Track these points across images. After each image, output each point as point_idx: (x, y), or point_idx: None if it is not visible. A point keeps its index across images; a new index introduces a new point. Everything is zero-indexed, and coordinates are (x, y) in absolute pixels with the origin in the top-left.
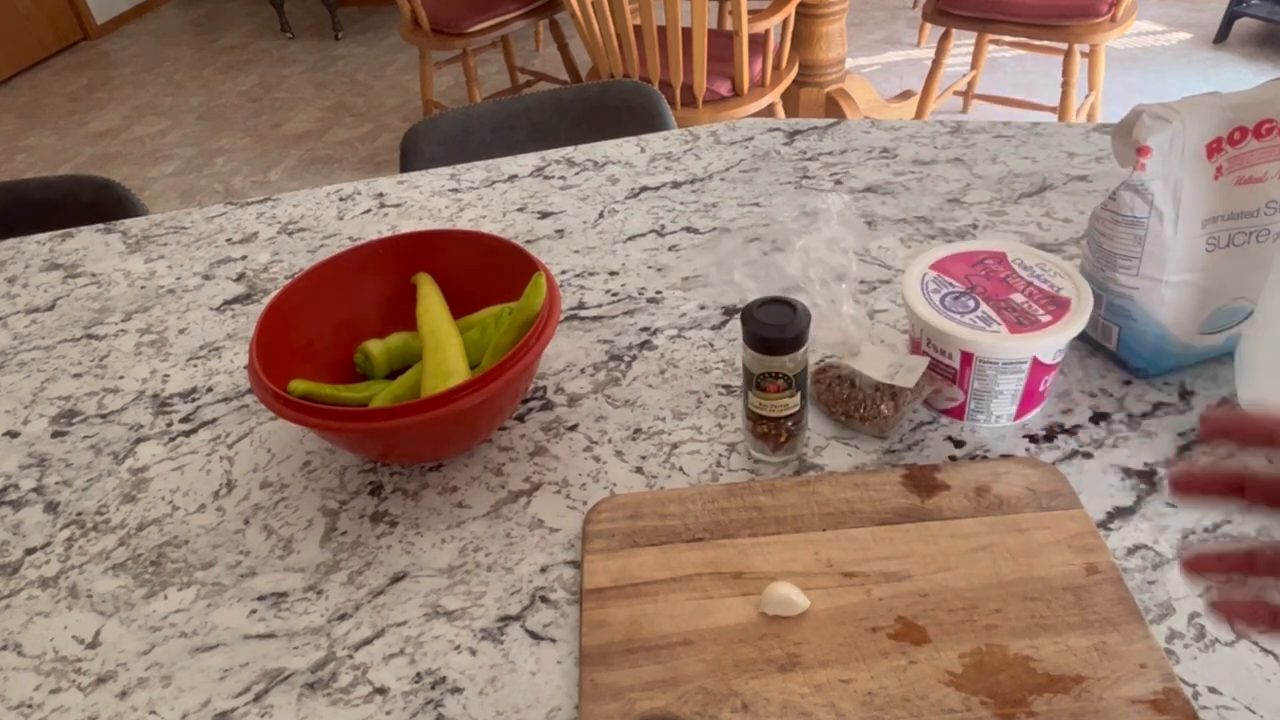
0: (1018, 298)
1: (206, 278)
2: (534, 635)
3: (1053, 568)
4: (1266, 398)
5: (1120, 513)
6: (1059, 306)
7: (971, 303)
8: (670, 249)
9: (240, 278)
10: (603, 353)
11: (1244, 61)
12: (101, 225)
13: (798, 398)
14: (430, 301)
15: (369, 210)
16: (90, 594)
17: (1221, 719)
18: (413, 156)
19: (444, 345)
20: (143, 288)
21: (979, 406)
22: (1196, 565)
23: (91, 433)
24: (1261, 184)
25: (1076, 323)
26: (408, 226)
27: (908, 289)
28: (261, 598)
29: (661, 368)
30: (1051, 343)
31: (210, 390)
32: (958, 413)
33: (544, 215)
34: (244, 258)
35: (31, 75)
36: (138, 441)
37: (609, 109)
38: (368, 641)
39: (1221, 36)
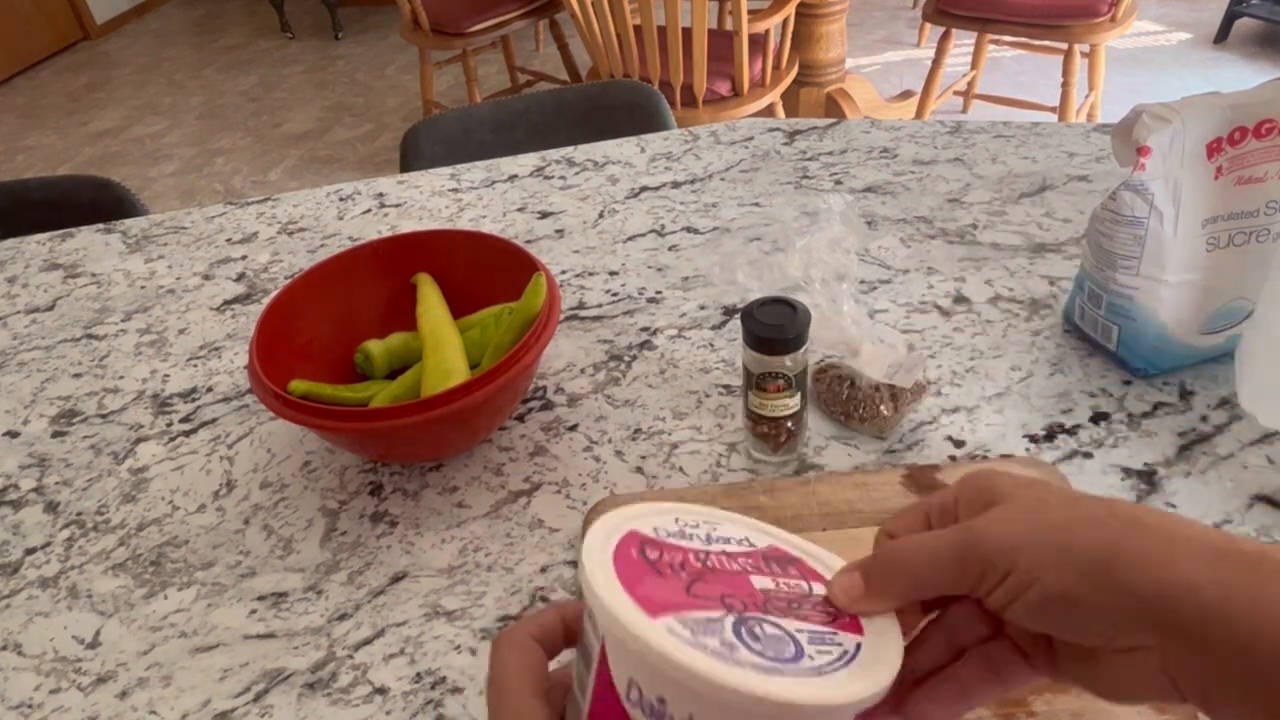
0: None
1: (206, 278)
2: None
3: None
4: (1265, 397)
5: None
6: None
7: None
8: (670, 249)
9: (240, 278)
10: (603, 353)
11: (1244, 61)
12: (101, 225)
13: (798, 398)
14: (430, 301)
15: (369, 210)
16: (90, 594)
17: None
18: (413, 156)
19: (444, 345)
20: (143, 288)
21: None
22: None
23: (91, 433)
24: (1261, 184)
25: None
26: (408, 226)
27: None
28: (261, 598)
29: (661, 368)
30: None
31: (210, 390)
32: None
33: (544, 215)
34: (244, 258)
35: (31, 75)
36: (138, 441)
37: (609, 109)
38: (368, 641)
39: (1221, 36)
